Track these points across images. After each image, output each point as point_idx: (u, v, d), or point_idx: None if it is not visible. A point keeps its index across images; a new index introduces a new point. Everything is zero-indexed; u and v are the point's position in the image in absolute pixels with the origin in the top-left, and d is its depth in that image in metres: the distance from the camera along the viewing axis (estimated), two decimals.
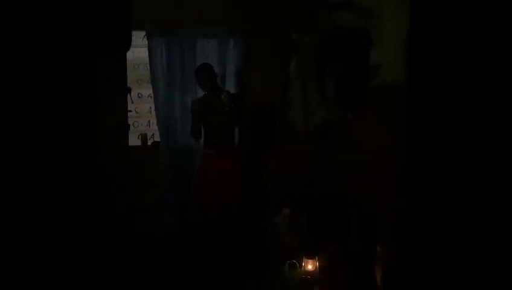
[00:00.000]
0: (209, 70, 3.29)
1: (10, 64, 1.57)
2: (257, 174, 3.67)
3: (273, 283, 2.76)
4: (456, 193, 1.57)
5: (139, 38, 3.59)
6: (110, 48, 2.00)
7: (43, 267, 1.62)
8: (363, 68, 2.65)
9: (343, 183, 2.99)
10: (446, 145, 1.62)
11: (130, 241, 2.44)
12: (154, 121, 3.75)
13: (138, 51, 3.58)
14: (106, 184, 1.92)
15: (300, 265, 2.83)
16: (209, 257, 3.14)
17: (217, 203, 3.22)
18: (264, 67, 3.59)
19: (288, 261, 2.87)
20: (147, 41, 3.63)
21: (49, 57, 1.61)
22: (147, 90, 3.77)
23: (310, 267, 2.79)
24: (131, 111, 3.20)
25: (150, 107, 3.79)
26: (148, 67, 3.66)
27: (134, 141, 3.54)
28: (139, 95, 3.79)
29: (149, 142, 3.82)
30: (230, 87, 3.66)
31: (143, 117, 3.82)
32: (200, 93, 3.44)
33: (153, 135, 3.84)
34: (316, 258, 2.80)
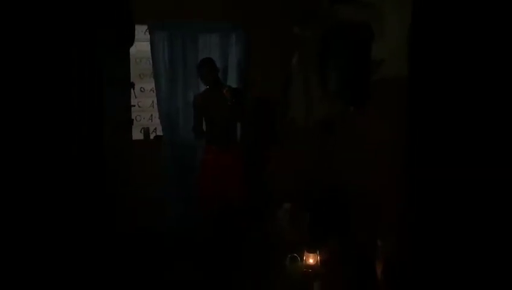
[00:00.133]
0: (211, 65, 3.29)
1: (15, 63, 1.57)
2: (259, 168, 3.68)
3: (274, 276, 2.78)
4: (456, 189, 1.57)
5: (141, 32, 3.59)
6: (114, 44, 2.01)
7: (49, 260, 1.64)
8: (365, 62, 2.64)
9: (344, 177, 3.00)
10: (447, 142, 1.62)
11: (132, 235, 2.47)
12: (156, 115, 3.76)
13: (140, 45, 3.58)
14: (111, 179, 1.94)
15: (302, 259, 2.84)
16: (210, 251, 3.16)
17: (218, 197, 3.23)
18: (266, 61, 3.59)
19: (289, 255, 2.88)
20: (149, 35, 3.63)
21: (54, 55, 1.63)
22: (149, 84, 3.78)
23: (311, 261, 2.81)
24: (134, 106, 3.20)
25: (152, 101, 3.80)
26: (151, 61, 3.67)
27: (136, 135, 3.56)
28: (142, 89, 3.79)
29: (151, 136, 3.83)
30: (232, 81, 3.66)
31: (145, 111, 3.83)
32: (202, 87, 3.44)
33: (155, 128, 3.85)
34: (317, 252, 2.82)
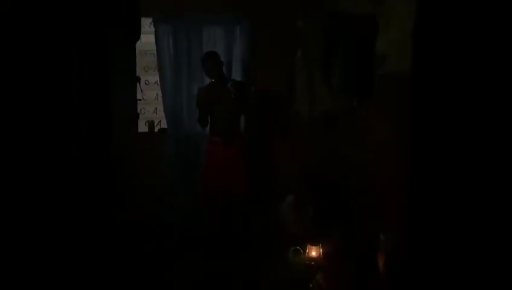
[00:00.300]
0: (215, 58, 3.30)
1: (25, 61, 1.59)
2: (262, 161, 3.70)
3: (277, 268, 2.81)
4: (458, 183, 1.58)
5: (146, 25, 3.59)
6: (120, 39, 2.02)
7: (56, 254, 1.67)
8: (370, 57, 2.64)
9: (347, 171, 3.01)
10: (450, 138, 1.62)
11: (136, 229, 2.50)
12: (161, 108, 3.78)
13: (145, 38, 3.58)
14: (118, 173, 1.97)
15: (305, 251, 2.87)
16: (214, 243, 3.20)
17: (222, 189, 3.26)
18: (270, 55, 3.58)
19: (292, 248, 2.91)
20: (153, 28, 3.64)
21: (62, 51, 1.64)
22: (154, 77, 3.79)
23: (313, 253, 2.84)
24: (140, 100, 3.23)
25: (157, 94, 3.81)
26: (155, 54, 3.68)
27: (141, 127, 3.58)
28: (146, 82, 3.81)
29: (156, 129, 3.85)
30: (237, 75, 3.66)
31: (150, 104, 3.85)
32: (207, 81, 3.45)
33: (160, 121, 3.88)
34: (320, 245, 2.84)
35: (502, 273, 1.46)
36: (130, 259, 2.25)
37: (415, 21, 1.85)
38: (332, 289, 2.52)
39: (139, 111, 3.26)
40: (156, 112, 3.88)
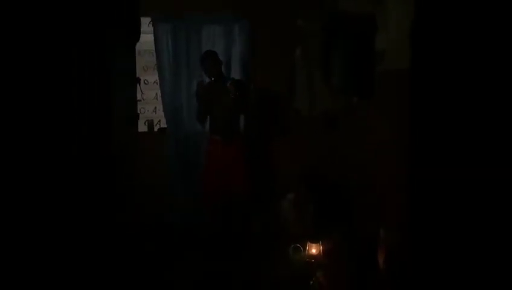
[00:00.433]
0: (214, 58, 3.30)
1: (26, 63, 1.59)
2: (262, 161, 3.70)
3: (277, 266, 2.82)
4: (458, 180, 1.58)
5: (144, 25, 3.58)
6: (120, 39, 2.02)
7: (57, 253, 1.67)
8: (369, 55, 2.64)
9: (347, 170, 3.02)
10: (450, 136, 1.63)
11: (136, 229, 2.50)
12: (160, 107, 3.79)
13: (144, 37, 3.57)
14: (118, 173, 1.97)
15: (305, 249, 2.89)
16: (214, 243, 3.21)
17: (222, 188, 3.27)
18: (269, 54, 3.59)
19: (292, 245, 2.92)
20: (152, 28, 3.64)
21: (62, 52, 1.64)
22: (153, 77, 3.79)
23: (313, 251, 2.85)
24: (140, 100, 3.23)
25: (156, 94, 3.81)
26: (154, 53, 3.68)
27: (140, 127, 3.58)
28: (145, 81, 3.81)
29: (155, 128, 3.86)
30: (236, 74, 3.67)
31: (149, 103, 3.85)
32: (206, 80, 3.46)
33: (159, 121, 3.88)
34: (320, 243, 2.85)
35: (502, 273, 1.46)
36: (130, 259, 2.25)
37: (413, 20, 1.85)
38: (332, 286, 2.53)
39: (138, 111, 3.27)
40: (156, 112, 3.88)
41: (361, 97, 2.79)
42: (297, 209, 3.28)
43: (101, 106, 1.76)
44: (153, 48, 3.67)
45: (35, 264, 1.62)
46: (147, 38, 3.61)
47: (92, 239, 1.76)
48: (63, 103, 1.66)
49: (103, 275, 1.82)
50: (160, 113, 3.80)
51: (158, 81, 3.71)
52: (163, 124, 3.82)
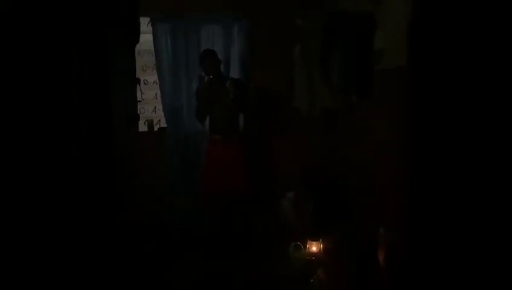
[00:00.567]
0: (213, 56, 3.31)
1: (20, 61, 1.60)
2: (262, 160, 3.71)
3: (278, 264, 2.83)
4: (459, 182, 1.58)
5: (143, 24, 3.58)
6: (120, 39, 2.03)
7: (56, 254, 1.68)
8: (368, 53, 2.65)
9: (346, 169, 3.03)
10: (448, 135, 1.63)
11: (136, 229, 2.50)
12: (159, 107, 3.79)
13: (143, 37, 3.57)
14: (119, 174, 1.98)
15: (305, 247, 2.89)
16: (214, 243, 3.21)
17: (222, 189, 3.27)
18: (269, 53, 3.59)
19: (293, 243, 2.93)
20: (151, 28, 3.64)
21: (63, 53, 1.64)
22: (152, 77, 3.80)
23: (314, 249, 2.85)
24: (140, 101, 3.24)
25: (156, 94, 3.82)
26: (153, 53, 3.68)
27: (140, 127, 3.58)
28: (145, 81, 3.81)
29: (155, 128, 3.86)
30: (235, 73, 3.67)
31: (149, 103, 3.86)
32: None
33: (159, 120, 3.88)
34: (320, 240, 2.86)
35: (502, 273, 1.46)
36: (130, 259, 2.25)
37: (410, 19, 1.85)
38: (332, 284, 2.53)
39: (138, 112, 3.27)
40: (155, 111, 3.89)
41: (361, 96, 2.79)
42: (297, 208, 3.28)
43: (101, 106, 1.76)
44: (152, 47, 3.67)
45: (36, 264, 1.63)
46: (146, 38, 3.61)
47: (92, 239, 1.77)
48: (63, 103, 1.66)
49: (103, 275, 1.82)
50: (160, 113, 3.80)
51: (157, 81, 3.71)
52: (163, 124, 3.82)
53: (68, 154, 1.69)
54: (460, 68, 1.57)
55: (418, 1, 1.75)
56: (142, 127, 3.71)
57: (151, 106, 3.88)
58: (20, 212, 1.60)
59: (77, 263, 1.70)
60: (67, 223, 1.69)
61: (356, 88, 2.77)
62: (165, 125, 3.79)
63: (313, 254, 2.84)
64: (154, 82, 3.80)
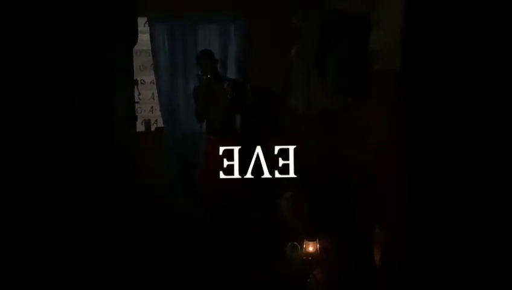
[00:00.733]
0: (210, 56, 3.31)
1: (20, 60, 1.59)
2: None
3: (275, 264, 2.84)
4: (457, 181, 1.59)
5: (140, 24, 3.58)
6: (119, 39, 2.03)
7: (56, 254, 1.68)
8: (364, 54, 2.67)
9: (343, 167, 3.04)
10: (446, 134, 1.64)
11: (136, 229, 2.50)
12: (156, 107, 3.79)
13: (140, 37, 3.55)
14: (119, 174, 1.98)
15: (302, 247, 2.90)
16: (214, 243, 3.21)
17: (222, 189, 3.27)
18: (266, 53, 3.60)
19: (289, 243, 2.94)
20: (148, 28, 3.63)
21: (63, 54, 1.64)
22: (149, 77, 3.79)
23: (310, 249, 2.87)
24: (138, 102, 3.24)
25: (153, 94, 3.82)
26: (150, 53, 3.68)
27: (138, 126, 3.58)
28: (142, 81, 3.81)
29: (152, 128, 3.86)
30: (232, 73, 3.68)
31: (146, 103, 3.85)
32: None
33: (156, 120, 3.88)
34: (317, 240, 2.88)
35: (502, 273, 1.47)
36: (130, 259, 2.25)
37: (404, 19, 1.85)
38: (329, 284, 2.55)
39: (136, 112, 3.26)
40: (152, 111, 3.88)
41: (356, 96, 2.81)
42: (295, 207, 3.30)
43: (101, 106, 1.77)
44: (149, 47, 3.66)
45: (36, 264, 1.63)
46: (143, 38, 3.61)
47: (92, 239, 1.77)
48: (63, 103, 1.66)
49: (103, 275, 1.83)
50: (157, 112, 3.80)
51: (154, 81, 3.71)
52: (160, 124, 3.82)
53: (68, 154, 1.69)
54: (458, 67, 1.58)
55: (411, 2, 1.76)
56: (139, 127, 3.71)
57: (148, 105, 3.88)
58: (20, 212, 1.60)
59: (77, 263, 1.70)
60: (67, 223, 1.69)
61: (352, 88, 2.79)
62: (162, 125, 3.79)
63: (310, 254, 2.86)
64: (151, 82, 3.80)
